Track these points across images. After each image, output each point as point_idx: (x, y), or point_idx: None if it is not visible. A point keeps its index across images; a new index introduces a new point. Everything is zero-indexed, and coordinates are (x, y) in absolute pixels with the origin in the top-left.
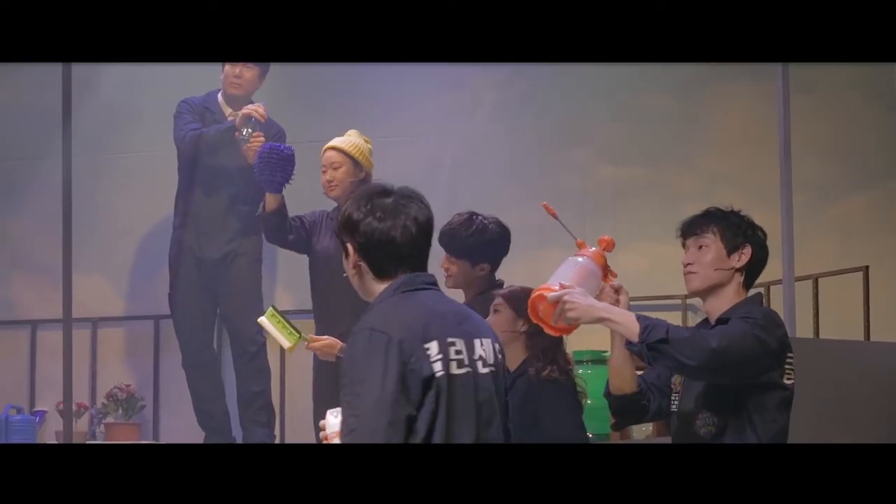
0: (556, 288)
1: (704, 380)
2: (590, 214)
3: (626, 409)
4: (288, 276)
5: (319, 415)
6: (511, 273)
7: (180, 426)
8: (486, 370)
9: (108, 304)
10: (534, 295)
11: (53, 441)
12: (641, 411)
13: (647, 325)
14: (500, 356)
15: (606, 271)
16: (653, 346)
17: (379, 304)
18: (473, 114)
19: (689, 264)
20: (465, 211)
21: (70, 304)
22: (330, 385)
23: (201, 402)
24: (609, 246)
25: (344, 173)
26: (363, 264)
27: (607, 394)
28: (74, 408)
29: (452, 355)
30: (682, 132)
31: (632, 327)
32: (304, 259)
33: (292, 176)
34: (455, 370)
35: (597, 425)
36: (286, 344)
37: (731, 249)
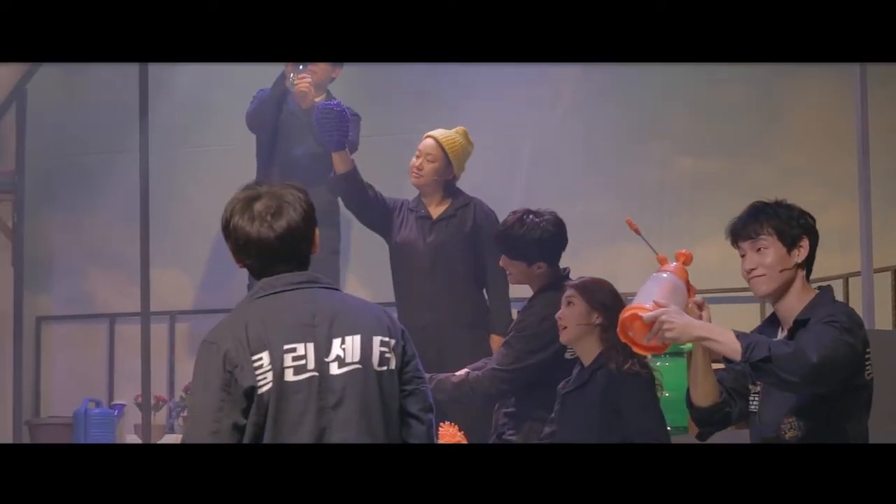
0: (649, 306)
1: (801, 392)
2: (667, 207)
3: (710, 419)
4: (365, 270)
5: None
6: (588, 265)
7: None
8: (342, 370)
9: (186, 297)
10: (625, 315)
11: (132, 434)
12: (726, 419)
13: (748, 343)
14: (381, 350)
15: (689, 286)
16: (756, 364)
17: (231, 312)
18: (552, 107)
19: (752, 269)
20: (521, 209)
21: (148, 297)
22: None
23: None
24: (688, 260)
25: (433, 168)
26: (245, 267)
27: (690, 405)
28: (153, 401)
29: (288, 362)
30: (761, 125)
31: (733, 345)
32: (380, 253)
33: (349, 131)
34: (291, 377)
35: (674, 417)
36: None
37: (791, 246)
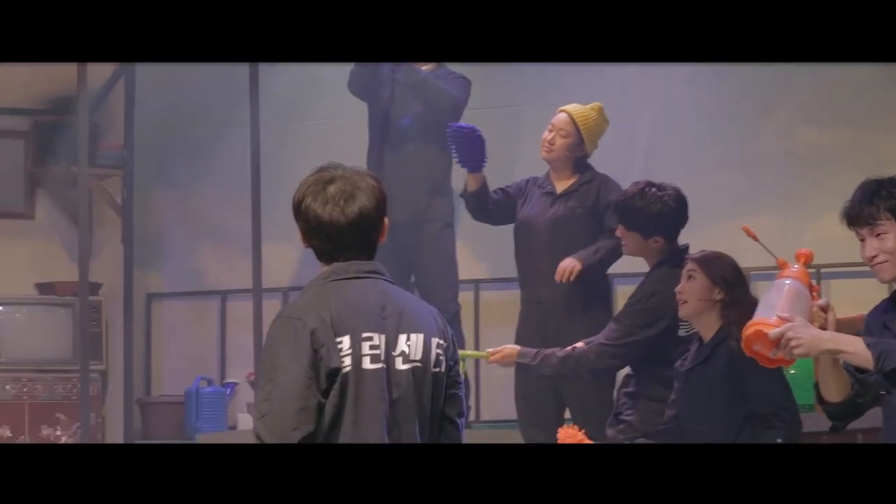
0: (773, 321)
1: None
2: (792, 179)
3: (843, 413)
4: (483, 244)
5: (523, 386)
6: (708, 239)
7: None
8: (405, 366)
9: (298, 273)
10: (749, 331)
11: (244, 413)
12: (858, 411)
13: (879, 352)
14: (437, 353)
15: (812, 288)
16: (890, 373)
17: (304, 292)
18: (672, 77)
19: (873, 257)
20: (642, 181)
21: (260, 273)
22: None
23: None
24: (809, 259)
25: (565, 144)
26: (312, 248)
27: (820, 401)
28: None
29: (366, 350)
30: (889, 95)
31: (864, 355)
32: (496, 227)
33: (486, 157)
34: (368, 365)
35: (800, 395)
36: None
37: None
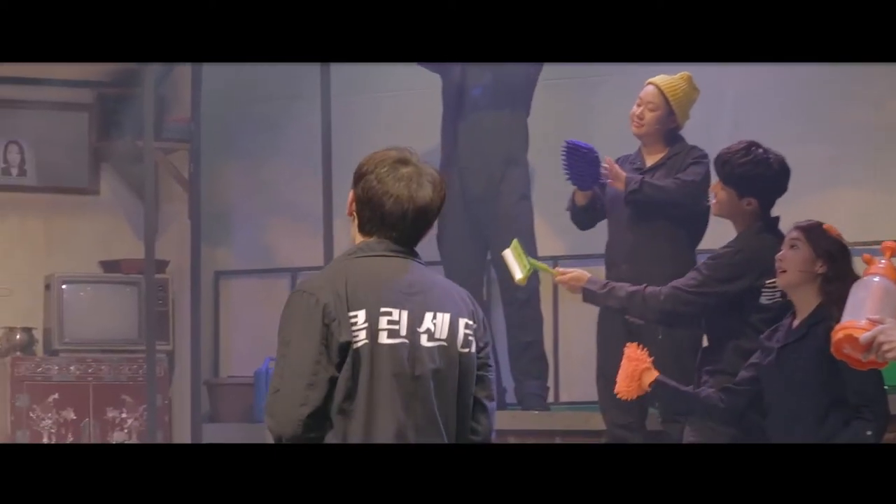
0: (863, 324)
1: None
2: (882, 151)
3: None
4: (562, 219)
5: (605, 365)
6: (796, 210)
7: None
8: (431, 344)
9: None
10: (839, 335)
11: None
12: None
13: None
14: (465, 333)
15: None
16: None
17: (327, 266)
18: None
19: None
20: (748, 140)
21: (331, 250)
22: (615, 332)
23: None
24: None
25: (655, 118)
26: (356, 215)
27: None
28: None
29: (383, 325)
30: None
31: None
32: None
33: (600, 177)
34: (385, 340)
35: (891, 375)
36: (517, 275)
37: None
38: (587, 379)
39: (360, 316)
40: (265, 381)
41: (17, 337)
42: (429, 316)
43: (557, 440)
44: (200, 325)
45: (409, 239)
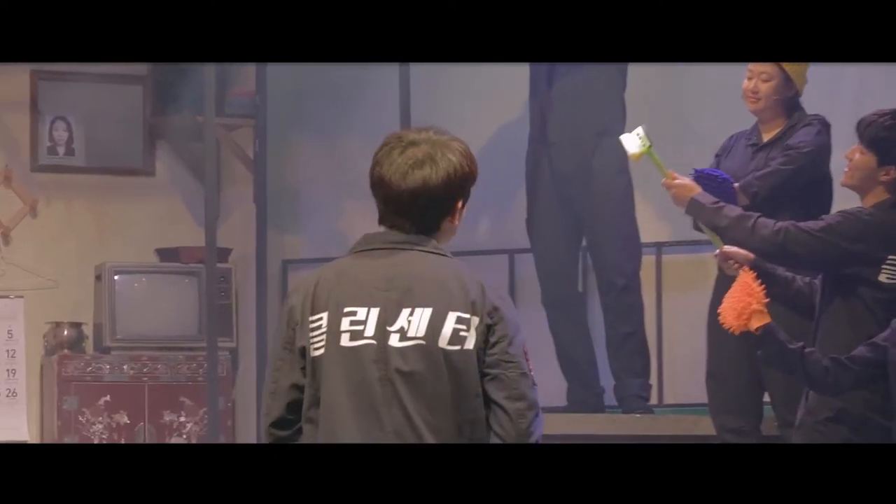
0: None
1: None
2: None
3: None
4: (666, 201)
5: (716, 364)
6: None
7: (541, 378)
8: (403, 344)
9: (456, 236)
10: None
11: None
12: None
13: None
14: (456, 328)
15: None
16: None
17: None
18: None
19: None
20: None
21: None
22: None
23: (564, 346)
24: None
25: (771, 88)
26: None
27: None
28: None
29: (345, 326)
30: None
31: None
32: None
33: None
34: (345, 342)
35: None
36: (632, 150)
37: None
38: (695, 378)
39: (323, 318)
40: None
41: (65, 333)
42: (405, 313)
43: None
44: (267, 320)
45: (416, 225)
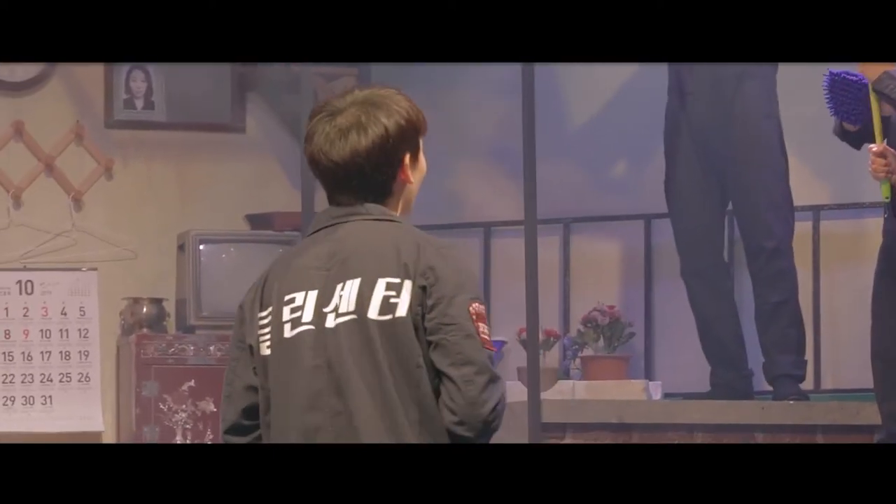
0: None
1: None
2: None
3: None
4: (824, 160)
5: (883, 343)
6: None
7: (681, 360)
8: (336, 322)
9: (584, 200)
10: None
11: (514, 381)
12: None
13: None
14: (386, 295)
15: None
16: None
17: None
18: None
19: None
20: None
21: (534, 201)
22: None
23: (707, 323)
24: None
25: None
26: None
27: None
28: (542, 336)
29: (286, 316)
30: None
31: None
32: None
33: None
34: (287, 333)
35: None
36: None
37: None
38: (858, 360)
39: (267, 314)
40: None
41: (144, 310)
42: (338, 288)
43: (819, 438)
44: None
45: (359, 196)
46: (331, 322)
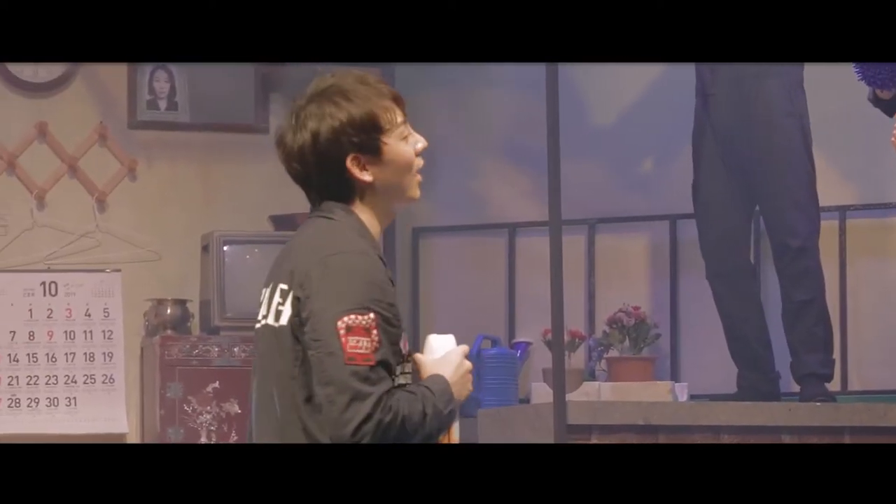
0: None
1: None
2: None
3: None
4: (850, 159)
5: None
6: None
7: (707, 361)
8: (258, 326)
9: (609, 200)
10: None
11: (539, 382)
12: None
13: None
14: (278, 302)
15: None
16: None
17: None
18: None
19: None
20: None
21: (558, 201)
22: None
23: (733, 325)
24: None
25: None
26: None
27: None
28: (567, 338)
29: (261, 309)
30: None
31: None
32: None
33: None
34: (257, 325)
35: None
36: None
37: None
38: (886, 360)
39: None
40: (476, 363)
41: (168, 311)
42: (269, 289)
43: (846, 439)
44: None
45: (313, 196)
46: (258, 326)
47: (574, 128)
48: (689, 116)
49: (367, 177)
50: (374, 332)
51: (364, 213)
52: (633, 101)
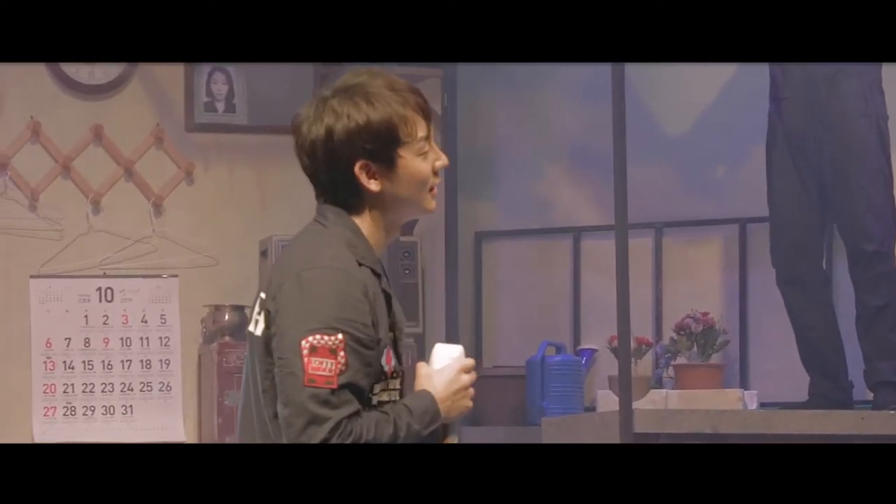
0: None
1: None
2: None
3: None
4: None
5: None
6: None
7: (778, 369)
8: (250, 331)
9: (676, 204)
10: None
11: (605, 390)
12: None
13: None
14: (256, 310)
15: None
16: None
17: None
18: None
19: None
20: None
21: (625, 205)
22: None
23: (804, 332)
24: None
25: None
26: None
27: None
28: (633, 344)
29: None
30: None
31: None
32: None
33: None
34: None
35: None
36: None
37: None
38: None
39: None
40: (540, 371)
41: (226, 318)
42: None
43: None
44: (458, 302)
45: (318, 195)
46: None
47: (643, 135)
48: (760, 120)
49: (374, 186)
50: (341, 353)
51: (366, 222)
52: (703, 107)
